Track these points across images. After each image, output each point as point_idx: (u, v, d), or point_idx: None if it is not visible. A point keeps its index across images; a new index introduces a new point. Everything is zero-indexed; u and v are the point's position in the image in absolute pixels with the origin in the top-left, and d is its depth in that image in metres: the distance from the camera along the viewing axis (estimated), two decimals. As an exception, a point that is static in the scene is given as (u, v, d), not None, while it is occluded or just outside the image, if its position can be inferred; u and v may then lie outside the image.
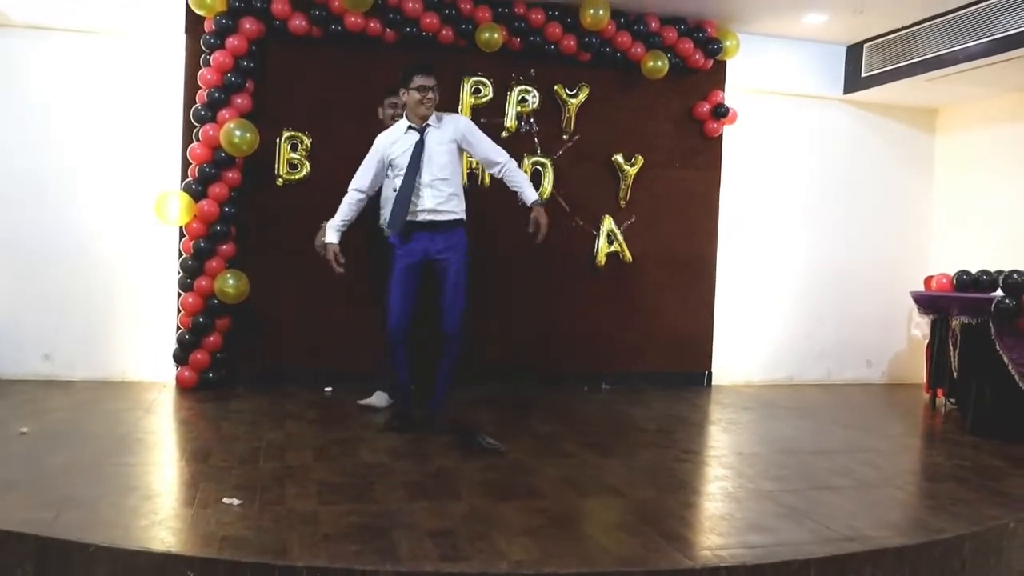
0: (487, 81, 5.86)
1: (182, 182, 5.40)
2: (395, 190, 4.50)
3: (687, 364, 6.42)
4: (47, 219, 5.49)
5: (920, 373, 6.39)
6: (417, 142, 4.35)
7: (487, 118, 5.87)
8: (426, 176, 4.33)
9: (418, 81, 4.31)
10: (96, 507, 3.02)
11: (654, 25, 6.00)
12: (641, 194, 6.22)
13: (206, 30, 5.33)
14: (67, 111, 5.51)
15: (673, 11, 6.00)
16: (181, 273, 5.38)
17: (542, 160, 6.01)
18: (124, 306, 5.61)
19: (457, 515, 3.10)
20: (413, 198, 4.33)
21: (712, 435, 4.94)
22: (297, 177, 5.56)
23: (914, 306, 6.09)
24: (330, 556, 2.63)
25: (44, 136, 5.49)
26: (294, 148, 5.58)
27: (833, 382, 6.86)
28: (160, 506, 3.06)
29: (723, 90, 6.32)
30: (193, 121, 5.35)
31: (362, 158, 4.48)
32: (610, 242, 6.17)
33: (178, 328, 5.42)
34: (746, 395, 6.16)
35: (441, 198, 4.34)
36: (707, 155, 6.38)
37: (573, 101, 6.03)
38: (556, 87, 6.00)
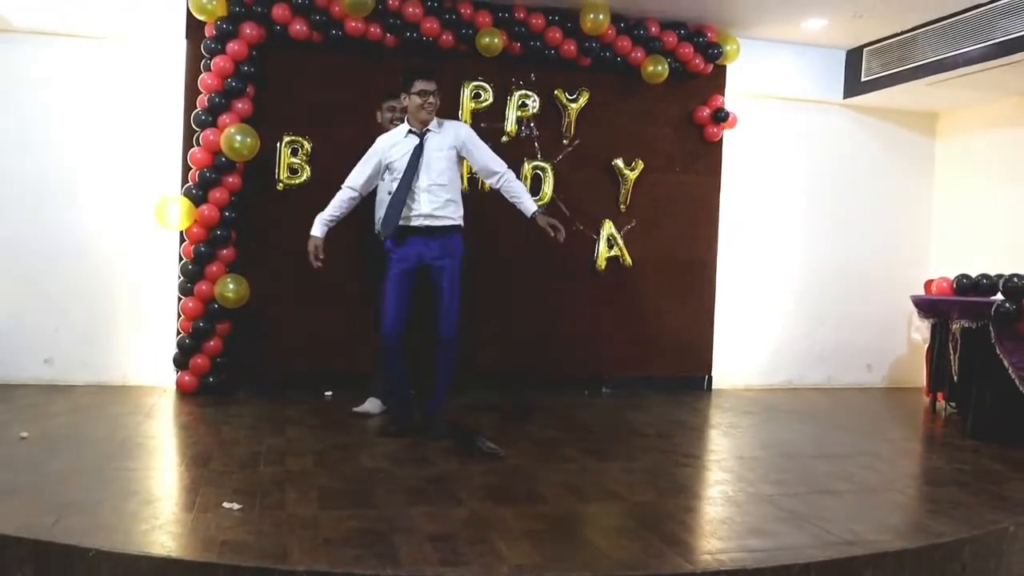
0: (487, 86, 5.87)
1: (182, 187, 5.41)
2: (389, 193, 4.53)
3: (687, 368, 6.42)
4: (48, 223, 5.50)
5: (920, 377, 6.38)
6: (416, 147, 4.36)
7: (487, 123, 5.89)
8: (424, 181, 4.34)
9: (419, 85, 4.32)
10: (96, 512, 3.02)
11: (654, 30, 6.01)
12: (641, 198, 6.22)
13: (207, 35, 5.35)
14: (68, 116, 5.52)
15: (673, 16, 6.01)
16: (181, 278, 5.38)
17: (542, 165, 6.01)
18: (125, 311, 5.61)
19: (457, 519, 3.10)
20: (409, 202, 4.34)
21: (712, 439, 4.94)
22: (298, 182, 5.56)
23: (914, 310, 6.10)
24: (330, 561, 2.62)
25: (45, 141, 5.50)
26: (294, 153, 5.59)
27: (833, 386, 6.86)
28: (160, 511, 3.06)
29: (723, 95, 6.33)
30: (194, 126, 5.36)
31: (363, 162, 4.50)
32: (610, 246, 6.17)
33: (178, 333, 5.43)
34: (746, 399, 6.16)
35: (438, 203, 4.35)
36: (707, 159, 6.39)
37: (573, 106, 6.04)
38: (556, 92, 6.01)
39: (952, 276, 5.72)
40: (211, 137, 5.26)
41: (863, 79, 6.47)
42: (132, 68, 5.58)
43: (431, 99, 4.35)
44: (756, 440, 4.90)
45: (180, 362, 5.37)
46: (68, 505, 3.04)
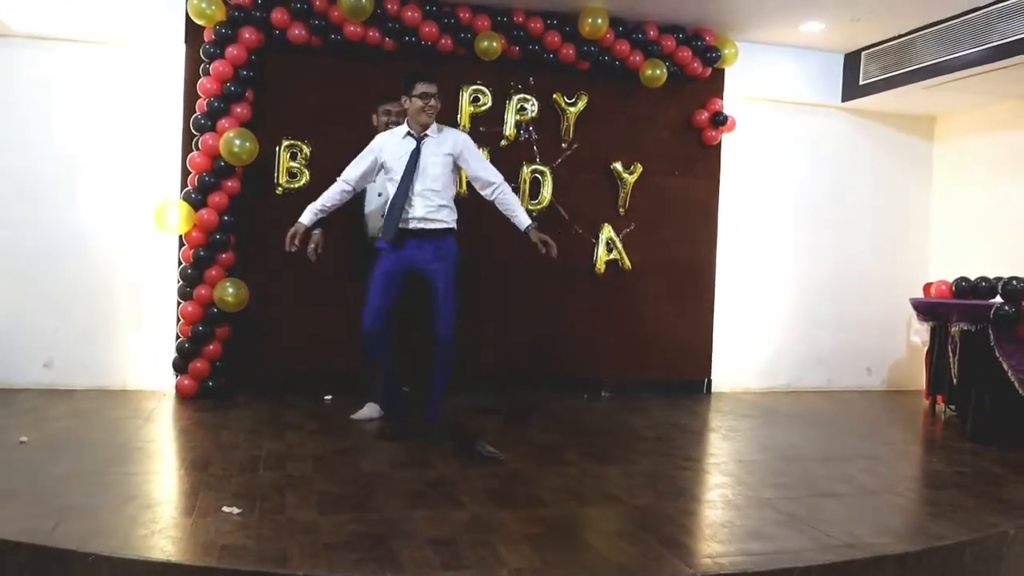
0: (486, 90, 5.88)
1: (182, 191, 5.41)
2: (379, 194, 4.57)
3: (686, 371, 6.42)
4: (48, 227, 5.50)
5: (919, 380, 6.39)
6: (413, 150, 4.37)
7: (486, 127, 5.90)
8: (418, 186, 4.35)
9: (421, 88, 4.33)
10: (96, 516, 3.02)
11: (652, 33, 6.02)
12: (640, 202, 6.23)
13: (206, 39, 5.35)
14: (68, 120, 5.52)
15: (672, 19, 6.02)
16: (181, 282, 5.38)
17: (541, 168, 6.02)
18: (124, 315, 5.61)
19: (458, 523, 3.10)
20: (404, 205, 4.35)
21: (712, 442, 4.94)
22: (297, 186, 5.56)
23: (913, 313, 6.10)
24: (330, 565, 2.62)
25: (45, 145, 5.49)
26: (293, 157, 5.59)
27: (832, 389, 6.86)
28: (160, 515, 3.06)
29: (721, 98, 6.34)
30: (193, 130, 5.36)
31: (361, 166, 4.52)
32: (609, 250, 6.17)
33: (178, 337, 5.42)
34: (745, 402, 6.16)
35: (431, 207, 4.36)
36: (706, 163, 6.40)
37: (572, 109, 6.05)
38: (555, 95, 6.02)
39: (951, 279, 5.73)
40: (210, 141, 5.26)
41: (861, 82, 6.48)
42: (131, 72, 5.58)
43: (432, 102, 4.37)
44: (756, 443, 4.90)
45: (179, 366, 5.37)
46: (67, 509, 3.04)
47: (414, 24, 5.57)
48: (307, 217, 4.46)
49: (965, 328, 5.30)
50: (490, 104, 5.90)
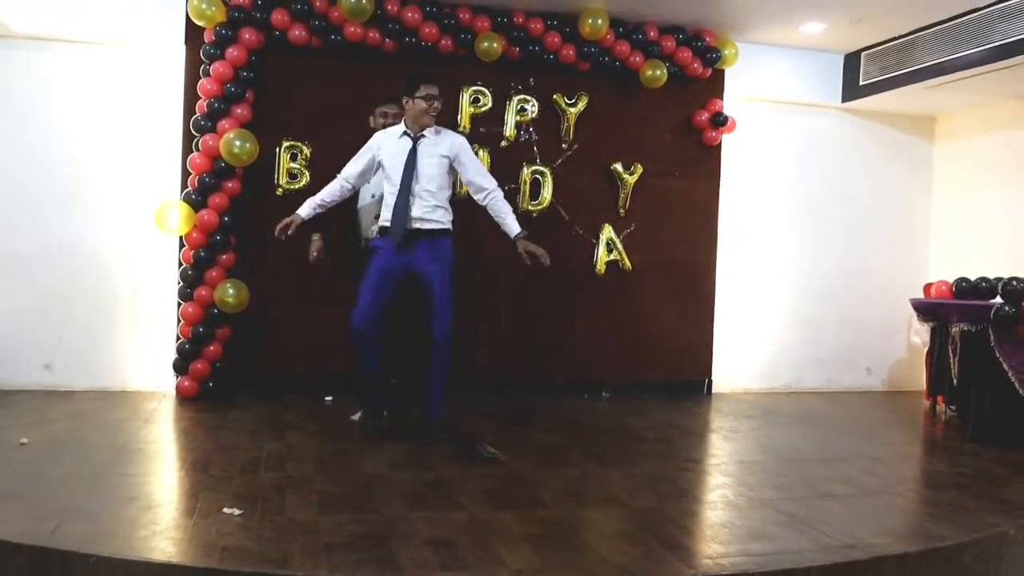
0: (486, 90, 5.88)
1: (182, 192, 5.41)
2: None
3: (687, 372, 6.42)
4: (48, 229, 5.50)
5: (920, 380, 6.39)
6: (410, 150, 4.37)
7: (486, 127, 5.90)
8: (414, 186, 4.37)
9: (425, 90, 4.34)
10: (96, 518, 3.02)
11: (653, 34, 6.02)
12: (640, 203, 6.23)
13: (206, 40, 5.35)
14: (68, 122, 5.53)
15: (672, 20, 6.02)
16: (181, 283, 5.38)
17: (541, 169, 6.02)
18: (124, 316, 5.61)
19: (457, 524, 3.10)
20: (406, 206, 4.35)
21: (713, 443, 4.94)
22: (297, 187, 5.56)
23: (913, 313, 6.10)
24: (331, 566, 2.62)
25: (45, 147, 5.50)
26: (294, 158, 5.59)
27: (833, 390, 6.86)
28: (160, 516, 3.06)
29: (722, 99, 6.34)
30: (193, 131, 5.37)
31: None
32: (609, 250, 6.17)
33: (178, 338, 5.43)
34: (746, 403, 6.16)
35: (427, 208, 4.37)
36: (706, 164, 6.40)
37: (572, 110, 6.05)
38: (555, 96, 6.02)
39: (951, 279, 5.73)
40: (210, 142, 5.26)
41: (861, 83, 6.48)
42: (132, 73, 5.59)
43: (435, 104, 4.37)
44: (756, 444, 4.90)
45: (180, 367, 5.37)
46: (68, 511, 3.04)
47: (414, 25, 5.57)
48: (305, 210, 4.47)
49: (965, 328, 5.30)
50: (490, 105, 5.90)
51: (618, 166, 6.15)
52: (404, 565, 2.66)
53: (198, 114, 5.35)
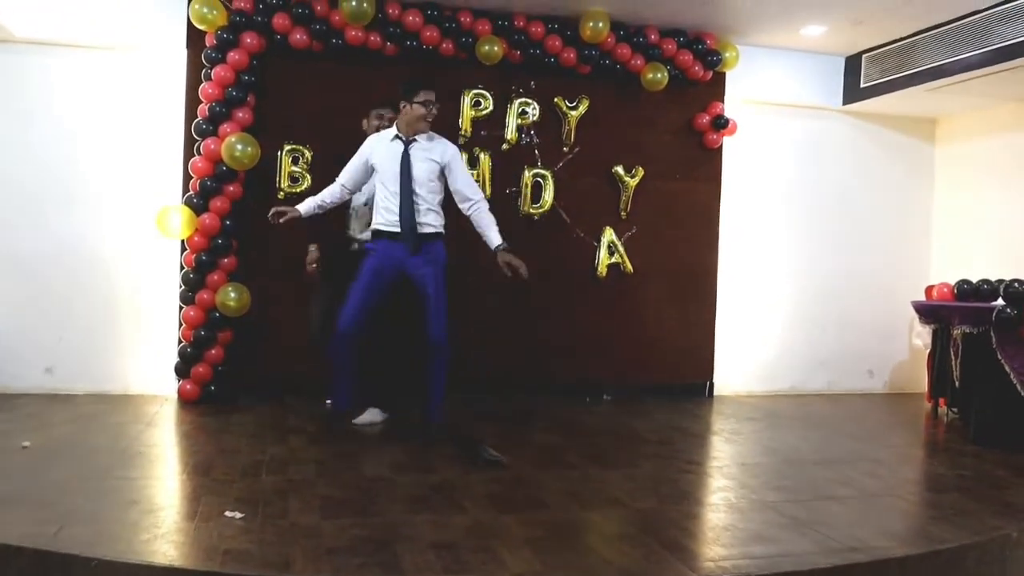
0: (487, 94, 5.89)
1: (183, 196, 5.42)
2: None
3: (688, 375, 6.42)
4: (50, 232, 5.51)
5: (922, 382, 6.38)
6: (403, 154, 4.38)
7: (487, 130, 5.91)
8: (414, 190, 4.39)
9: (424, 96, 4.37)
10: (98, 521, 3.02)
11: (653, 37, 6.02)
12: (642, 205, 6.23)
13: (207, 44, 5.36)
14: (69, 125, 5.53)
15: (672, 23, 6.03)
16: (183, 286, 5.38)
17: (543, 172, 6.03)
18: (126, 319, 5.62)
19: (460, 527, 3.10)
20: (393, 208, 4.38)
21: (714, 445, 4.94)
22: (298, 190, 5.56)
23: (915, 315, 6.10)
24: (333, 570, 2.63)
25: (46, 150, 5.50)
26: (295, 161, 5.60)
27: (834, 392, 6.85)
28: (162, 520, 3.06)
29: (723, 102, 6.34)
30: (194, 135, 5.37)
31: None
32: (611, 253, 6.17)
33: (180, 341, 5.43)
34: (748, 405, 6.16)
35: (419, 212, 4.39)
36: (707, 166, 6.40)
37: (573, 113, 6.05)
38: (556, 99, 6.02)
39: (953, 281, 5.73)
40: (212, 146, 5.27)
41: (862, 85, 6.48)
42: (133, 78, 5.60)
43: (433, 110, 4.39)
44: (758, 446, 4.90)
45: (181, 371, 5.37)
46: (70, 514, 3.04)
47: (415, 28, 5.58)
48: (305, 207, 4.50)
49: (967, 330, 5.30)
50: (491, 108, 5.91)
51: (619, 169, 6.15)
52: (407, 569, 2.65)
53: (199, 118, 5.36)
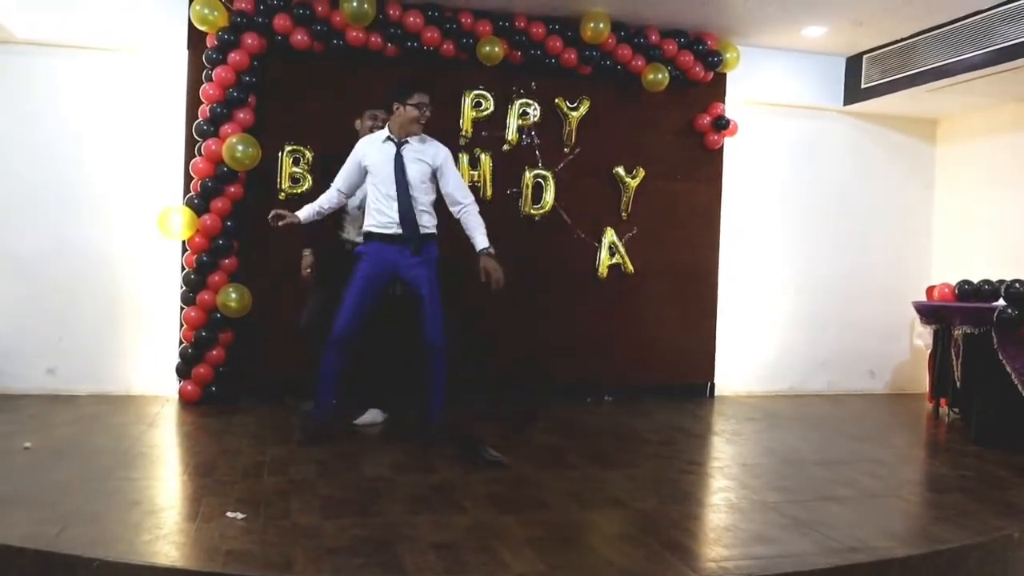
0: (488, 94, 5.89)
1: (184, 197, 5.42)
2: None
3: (689, 375, 6.42)
4: (51, 233, 5.52)
5: (923, 383, 6.38)
6: (396, 155, 4.39)
7: (488, 131, 5.91)
8: (410, 192, 4.40)
9: (419, 98, 4.37)
10: (100, 522, 3.03)
11: (654, 38, 6.02)
12: (642, 206, 6.23)
13: (208, 45, 5.36)
14: (70, 126, 5.54)
15: (673, 24, 6.03)
16: (184, 287, 5.39)
17: (544, 173, 6.03)
18: (127, 320, 5.62)
19: (461, 528, 3.10)
20: (386, 210, 4.38)
21: (715, 446, 4.93)
22: (299, 191, 5.56)
23: (916, 316, 6.10)
24: (334, 570, 2.63)
25: (47, 152, 5.51)
26: (296, 162, 5.60)
27: (836, 392, 6.85)
28: (164, 520, 3.06)
29: (723, 102, 6.34)
30: (195, 136, 5.37)
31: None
32: (612, 254, 6.17)
33: (181, 342, 5.43)
34: (749, 406, 6.15)
35: (415, 213, 4.40)
36: (708, 167, 6.40)
37: (574, 114, 6.06)
38: (557, 100, 6.03)
39: (954, 282, 5.73)
40: (213, 147, 5.27)
41: (863, 86, 6.48)
42: (134, 79, 5.60)
43: (426, 112, 4.40)
44: (759, 447, 4.90)
45: (183, 371, 5.38)
46: (71, 515, 3.05)
47: (416, 29, 5.58)
48: (304, 214, 4.50)
49: (968, 331, 5.30)
50: (492, 109, 5.91)
51: (620, 170, 6.15)
52: (408, 569, 2.66)
53: (200, 119, 5.36)
